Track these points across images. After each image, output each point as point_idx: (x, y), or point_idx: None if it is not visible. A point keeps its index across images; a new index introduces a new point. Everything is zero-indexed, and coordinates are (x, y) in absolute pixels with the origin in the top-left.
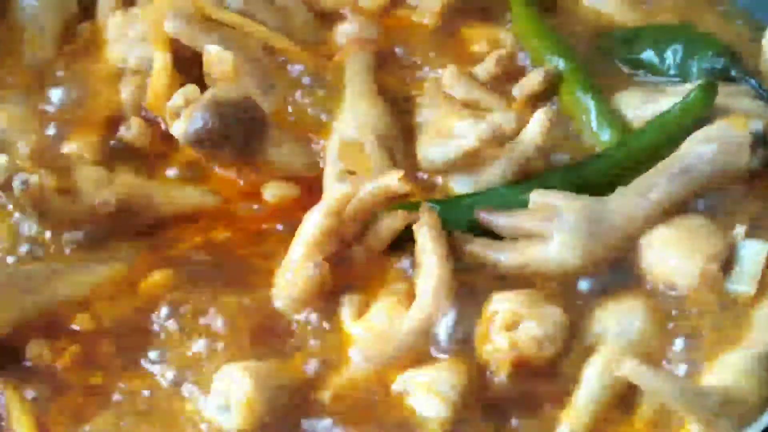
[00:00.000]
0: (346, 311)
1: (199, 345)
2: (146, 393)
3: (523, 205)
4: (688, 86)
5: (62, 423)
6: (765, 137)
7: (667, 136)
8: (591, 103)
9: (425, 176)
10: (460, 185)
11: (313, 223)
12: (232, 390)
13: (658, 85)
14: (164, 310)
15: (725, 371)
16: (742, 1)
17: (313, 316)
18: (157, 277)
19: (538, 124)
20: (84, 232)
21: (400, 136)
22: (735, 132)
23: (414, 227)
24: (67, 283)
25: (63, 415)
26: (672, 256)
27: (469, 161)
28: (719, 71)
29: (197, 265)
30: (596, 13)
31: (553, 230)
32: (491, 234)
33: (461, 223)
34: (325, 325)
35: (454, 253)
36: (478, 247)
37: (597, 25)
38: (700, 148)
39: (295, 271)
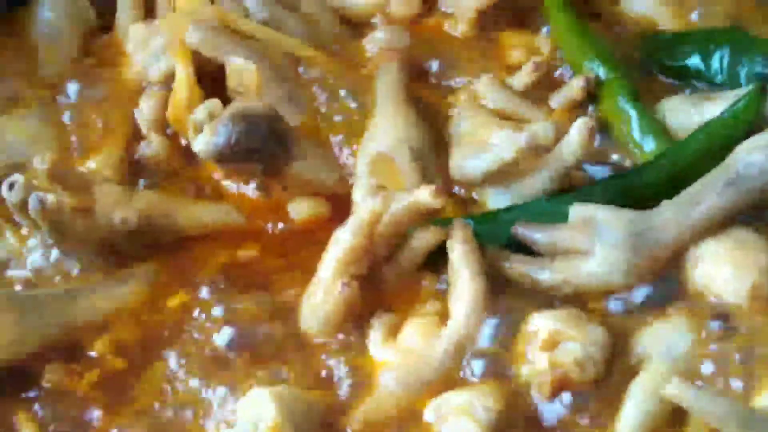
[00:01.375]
0: (377, 333)
1: (224, 368)
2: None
3: (563, 219)
4: (737, 92)
5: None
6: None
7: (714, 145)
8: (633, 112)
9: (459, 190)
10: (495, 199)
11: (343, 241)
12: (259, 416)
13: (705, 92)
14: (187, 331)
15: None
16: None
17: (342, 339)
18: (180, 297)
19: (578, 134)
20: (104, 252)
21: (433, 149)
22: None
23: (447, 244)
24: (86, 306)
25: None
26: (721, 271)
27: (506, 174)
28: None
29: (221, 285)
30: (638, 18)
31: (594, 245)
32: (528, 250)
33: (497, 238)
34: (355, 348)
35: (489, 270)
36: (515, 264)
37: (639, 30)
38: (751, 158)
39: (324, 292)
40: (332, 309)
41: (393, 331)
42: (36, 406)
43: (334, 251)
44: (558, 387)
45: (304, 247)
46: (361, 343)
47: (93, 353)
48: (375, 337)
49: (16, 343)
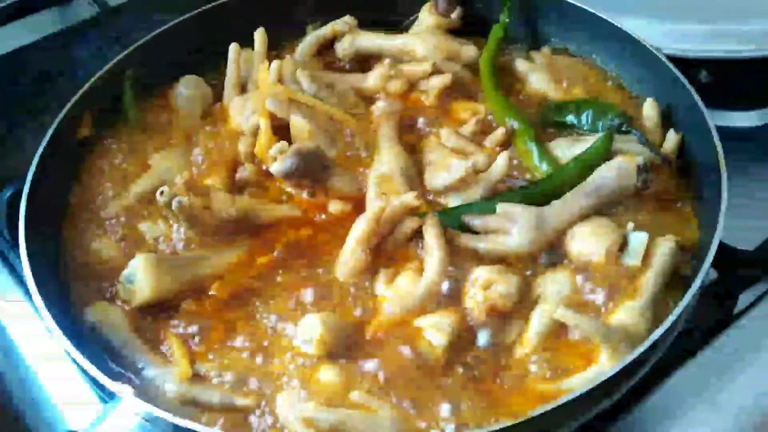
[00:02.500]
0: (382, 280)
1: (291, 301)
2: (257, 330)
3: (493, 212)
4: (596, 136)
5: (203, 353)
6: (645, 167)
7: (584, 168)
8: (534, 148)
9: (430, 196)
10: (452, 201)
11: (361, 225)
12: (311, 331)
13: (576, 137)
14: (269, 278)
15: (625, 314)
16: (627, 82)
17: (360, 283)
18: (264, 259)
19: (502, 161)
20: (218, 233)
21: (415, 171)
22: (627, 164)
23: (423, 228)
24: (208, 264)
25: (205, 347)
26: (588, 242)
27: (458, 185)
28: (616, 127)
29: (288, 251)
30: (536, 92)
31: (512, 228)
32: (472, 231)
33: (454, 224)
34: (368, 290)
35: (449, 243)
36: (464, 239)
37: (536, 99)
38: (605, 174)
39: (349, 255)
40: (354, 265)
41: (391, 279)
42: (175, 325)
43: (355, 231)
44: (489, 311)
45: (338, 229)
46: (373, 287)
47: (212, 292)
48: (380, 282)
49: (165, 288)
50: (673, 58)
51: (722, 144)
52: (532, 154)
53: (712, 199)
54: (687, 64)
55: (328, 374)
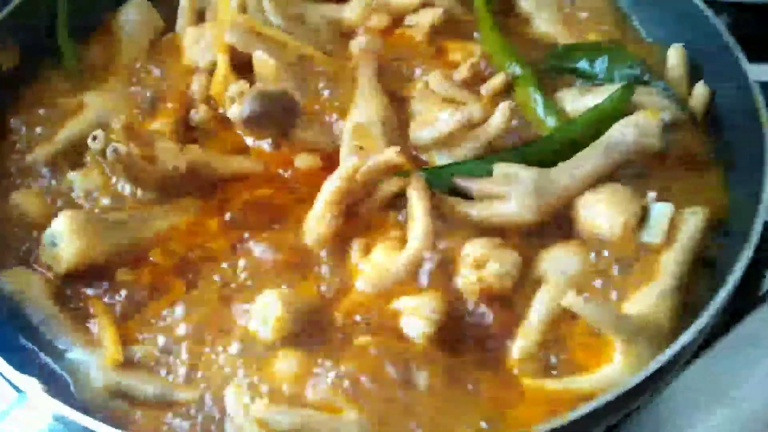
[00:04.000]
0: (355, 251)
1: (246, 271)
2: (204, 308)
3: (489, 173)
4: (612, 87)
5: (139, 334)
6: (670, 125)
7: (597, 123)
8: (539, 98)
9: (415, 152)
10: (441, 159)
11: (332, 185)
12: (269, 310)
13: (589, 86)
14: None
15: (643, 302)
16: (645, 32)
17: (330, 254)
18: (215, 222)
19: (501, 113)
20: (162, 189)
21: (396, 122)
22: (649, 120)
23: (407, 190)
24: (148, 225)
25: (141, 327)
26: (600, 213)
27: (448, 141)
28: (635, 77)
29: (246, 213)
30: (542, 34)
31: (511, 193)
32: (463, 195)
33: (442, 187)
34: (339, 261)
35: (435, 209)
36: (454, 204)
37: (543, 43)
38: (623, 131)
39: (317, 220)
40: (323, 231)
41: (366, 250)
42: (106, 297)
43: (325, 192)
44: (484, 294)
45: (305, 188)
46: (344, 258)
47: (151, 258)
48: (354, 253)
49: (96, 252)
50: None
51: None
52: (535, 105)
53: (749, 165)
54: (720, 8)
55: (286, 364)
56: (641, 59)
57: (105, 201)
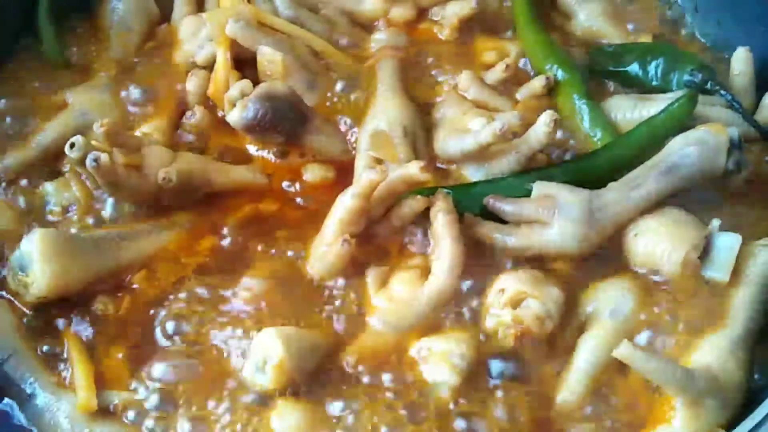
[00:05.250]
0: (371, 283)
1: (241, 305)
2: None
3: (527, 194)
4: (670, 96)
5: (117, 376)
6: (740, 143)
7: (653, 137)
8: (585, 108)
9: (441, 165)
10: (471, 174)
11: (345, 203)
12: (268, 353)
13: (643, 94)
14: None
15: (711, 353)
16: (700, 31)
17: (341, 285)
18: (209, 242)
19: (544, 123)
20: (150, 203)
21: (422, 129)
22: (715, 137)
23: (431, 211)
24: (132, 247)
25: (119, 368)
26: (657, 243)
27: (481, 154)
28: (697, 84)
29: (245, 233)
30: (588, 32)
31: (553, 218)
32: (498, 218)
33: (472, 207)
34: (352, 294)
35: (464, 233)
36: (487, 230)
37: (588, 40)
38: (684, 150)
39: (327, 245)
40: (333, 260)
41: (383, 281)
42: (82, 327)
43: (338, 211)
44: (520, 338)
45: (314, 205)
46: (359, 290)
47: (135, 285)
48: (370, 285)
49: (72, 279)
50: None
51: None
52: (581, 115)
53: None
54: None
55: (286, 420)
56: (704, 64)
57: (85, 218)
